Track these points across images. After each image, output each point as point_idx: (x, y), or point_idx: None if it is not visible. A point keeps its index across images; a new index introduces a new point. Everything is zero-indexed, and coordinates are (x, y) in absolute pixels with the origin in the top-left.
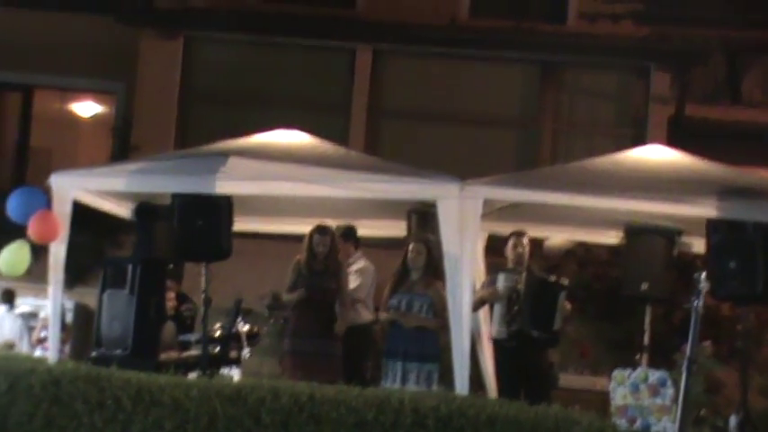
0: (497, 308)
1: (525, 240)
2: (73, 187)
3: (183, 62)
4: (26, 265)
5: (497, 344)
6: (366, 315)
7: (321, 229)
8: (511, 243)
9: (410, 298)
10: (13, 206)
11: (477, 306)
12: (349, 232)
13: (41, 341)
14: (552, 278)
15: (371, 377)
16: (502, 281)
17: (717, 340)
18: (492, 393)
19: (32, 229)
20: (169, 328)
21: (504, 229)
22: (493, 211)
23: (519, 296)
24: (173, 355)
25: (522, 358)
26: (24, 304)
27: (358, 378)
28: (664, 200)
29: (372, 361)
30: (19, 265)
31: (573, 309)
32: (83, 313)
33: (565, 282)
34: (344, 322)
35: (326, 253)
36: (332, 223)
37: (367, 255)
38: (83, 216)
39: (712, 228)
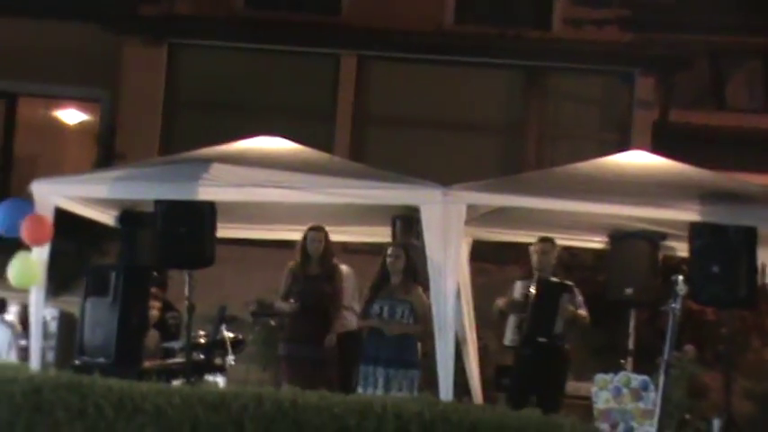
0: (512, 315)
1: (548, 247)
2: (54, 195)
3: (167, 69)
4: (39, 274)
5: (512, 351)
6: (354, 321)
7: (315, 227)
8: (533, 249)
9: (391, 304)
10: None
11: (499, 318)
12: None
13: None
14: (555, 279)
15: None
16: (518, 289)
17: (701, 344)
18: (478, 399)
19: (26, 232)
20: (153, 335)
21: (489, 234)
22: (478, 216)
23: (528, 302)
24: (156, 362)
25: (535, 365)
26: (13, 314)
27: (347, 385)
28: (647, 204)
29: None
30: (32, 275)
31: None
32: (67, 321)
33: (568, 282)
34: (335, 330)
35: (321, 252)
36: None
37: (352, 260)
38: (67, 224)
39: (695, 232)
